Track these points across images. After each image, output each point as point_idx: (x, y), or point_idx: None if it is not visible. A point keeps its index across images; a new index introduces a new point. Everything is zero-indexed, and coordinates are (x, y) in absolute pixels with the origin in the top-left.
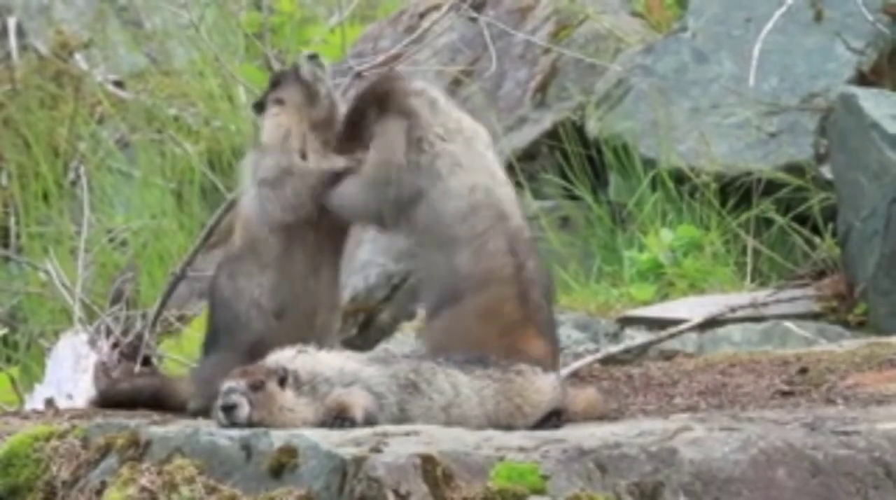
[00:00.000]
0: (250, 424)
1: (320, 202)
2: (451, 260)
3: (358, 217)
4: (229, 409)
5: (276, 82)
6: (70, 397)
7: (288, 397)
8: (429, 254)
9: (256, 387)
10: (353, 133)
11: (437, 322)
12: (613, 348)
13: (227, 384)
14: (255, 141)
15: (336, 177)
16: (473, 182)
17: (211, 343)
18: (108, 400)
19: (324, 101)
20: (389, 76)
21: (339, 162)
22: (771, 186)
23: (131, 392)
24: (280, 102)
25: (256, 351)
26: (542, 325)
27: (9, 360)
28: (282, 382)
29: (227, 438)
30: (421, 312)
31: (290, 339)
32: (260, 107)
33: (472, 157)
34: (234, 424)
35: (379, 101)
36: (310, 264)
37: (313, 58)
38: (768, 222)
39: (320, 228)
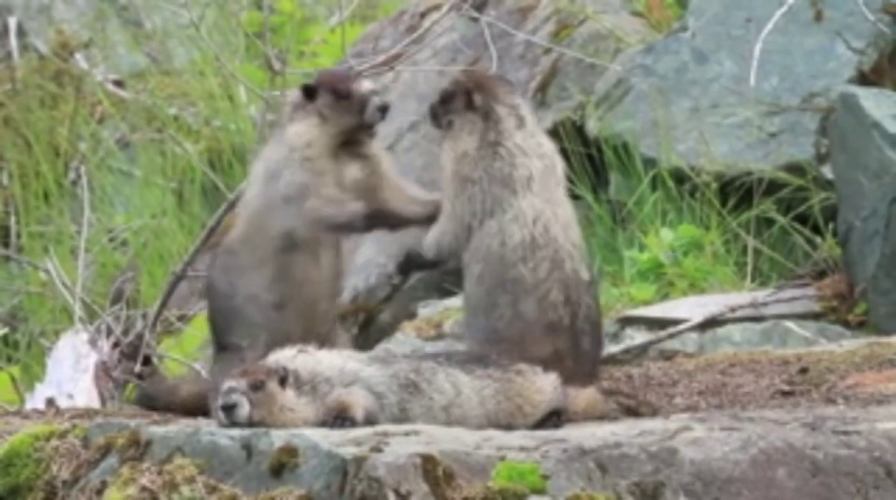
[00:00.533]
0: (251, 423)
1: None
2: (517, 306)
3: (457, 240)
4: (230, 408)
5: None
6: (70, 396)
7: (288, 396)
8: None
9: (257, 387)
10: (434, 116)
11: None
12: (614, 348)
13: (228, 384)
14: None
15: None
16: (539, 210)
17: (216, 344)
18: (150, 402)
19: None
20: (492, 77)
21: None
22: (771, 186)
23: (172, 396)
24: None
25: (260, 345)
26: (589, 377)
27: (9, 359)
28: (282, 381)
29: (227, 437)
30: (423, 312)
31: (292, 330)
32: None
33: (545, 183)
34: (234, 423)
35: (468, 93)
36: (311, 254)
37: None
38: (769, 222)
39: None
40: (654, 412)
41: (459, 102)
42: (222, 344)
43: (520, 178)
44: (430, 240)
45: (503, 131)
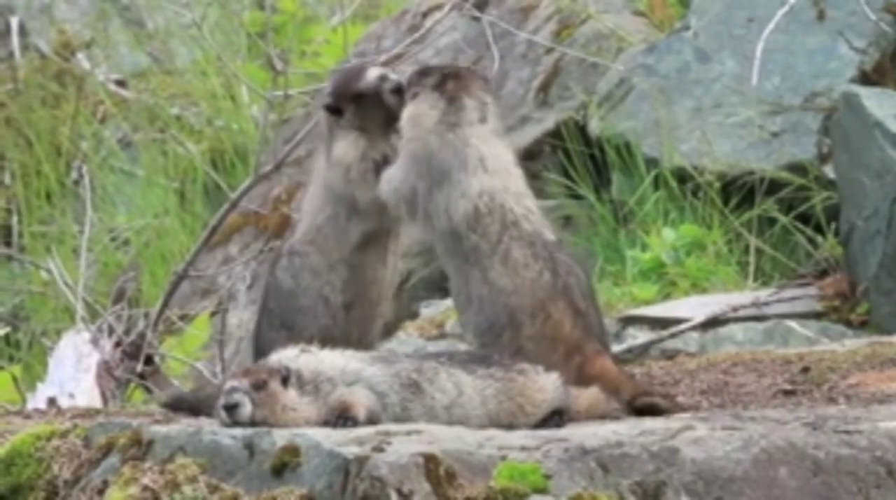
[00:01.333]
0: (253, 423)
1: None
2: (487, 276)
3: (397, 196)
4: (232, 408)
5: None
6: (72, 396)
7: (291, 396)
8: (462, 269)
9: (259, 386)
10: (406, 87)
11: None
12: (616, 348)
13: (230, 384)
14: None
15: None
16: (488, 185)
17: (266, 339)
18: (176, 405)
19: None
20: (474, 70)
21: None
22: (773, 186)
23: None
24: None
25: (320, 342)
26: (600, 336)
27: (11, 359)
28: (284, 381)
29: (229, 437)
30: (426, 311)
31: (356, 329)
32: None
33: (498, 167)
34: (236, 423)
35: (443, 76)
36: (381, 254)
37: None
38: (771, 222)
39: (385, 216)
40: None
41: (432, 79)
42: (276, 342)
43: (471, 156)
44: (381, 181)
45: (463, 118)
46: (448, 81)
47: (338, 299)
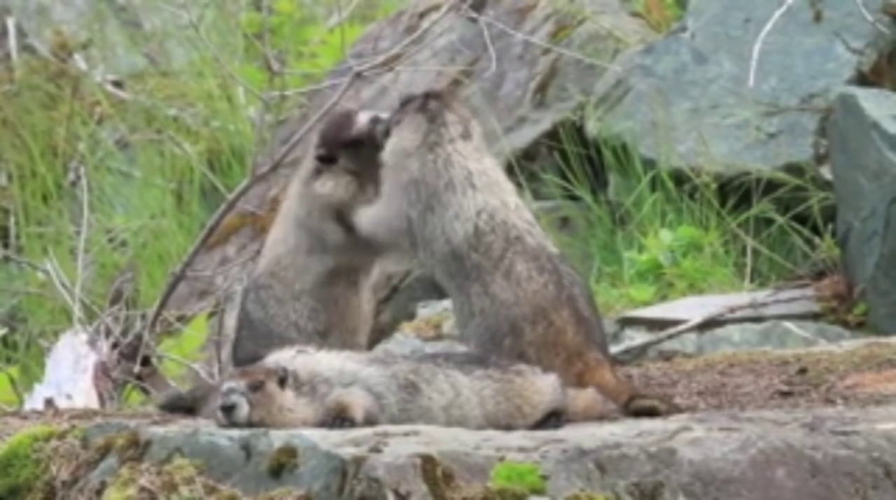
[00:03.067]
0: (250, 424)
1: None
2: (489, 290)
3: (393, 232)
4: (229, 409)
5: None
6: (70, 397)
7: (287, 397)
8: (465, 289)
9: (256, 387)
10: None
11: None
12: (613, 349)
13: (227, 385)
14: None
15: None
16: (483, 202)
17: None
18: (172, 406)
19: None
20: (451, 91)
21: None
22: (770, 187)
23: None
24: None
25: None
26: (601, 345)
27: (8, 360)
28: (281, 382)
29: (226, 438)
30: (423, 312)
31: None
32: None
33: (488, 181)
34: (233, 424)
35: (425, 97)
36: (352, 288)
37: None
38: (768, 223)
39: (357, 255)
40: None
41: (415, 103)
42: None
43: (457, 175)
44: (366, 223)
45: (445, 136)
46: (430, 101)
47: (309, 326)
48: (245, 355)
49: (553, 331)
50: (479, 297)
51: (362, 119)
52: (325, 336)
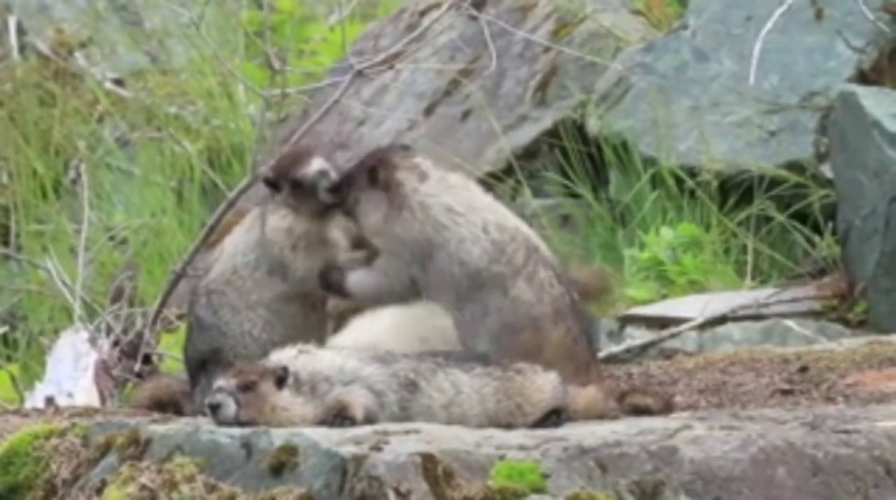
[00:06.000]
0: (239, 423)
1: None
2: (509, 294)
3: (391, 289)
4: (214, 408)
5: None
6: (70, 395)
7: (283, 396)
8: (479, 297)
9: (247, 387)
10: (341, 199)
11: (516, 349)
12: (614, 347)
13: (218, 383)
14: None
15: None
16: (484, 220)
17: (199, 370)
18: (151, 403)
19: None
20: (388, 149)
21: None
22: (771, 185)
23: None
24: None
25: None
26: (597, 369)
27: (9, 358)
28: (280, 381)
29: (227, 436)
30: None
31: None
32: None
33: (468, 202)
34: (220, 423)
35: (370, 170)
36: (309, 308)
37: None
38: (768, 221)
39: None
40: (668, 406)
41: (362, 179)
42: (209, 372)
43: (438, 215)
44: (357, 285)
45: (405, 194)
46: (377, 172)
47: (263, 336)
48: (197, 355)
49: (570, 338)
50: (496, 299)
51: (313, 167)
52: (281, 347)
